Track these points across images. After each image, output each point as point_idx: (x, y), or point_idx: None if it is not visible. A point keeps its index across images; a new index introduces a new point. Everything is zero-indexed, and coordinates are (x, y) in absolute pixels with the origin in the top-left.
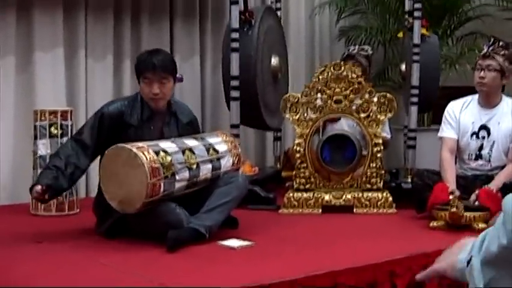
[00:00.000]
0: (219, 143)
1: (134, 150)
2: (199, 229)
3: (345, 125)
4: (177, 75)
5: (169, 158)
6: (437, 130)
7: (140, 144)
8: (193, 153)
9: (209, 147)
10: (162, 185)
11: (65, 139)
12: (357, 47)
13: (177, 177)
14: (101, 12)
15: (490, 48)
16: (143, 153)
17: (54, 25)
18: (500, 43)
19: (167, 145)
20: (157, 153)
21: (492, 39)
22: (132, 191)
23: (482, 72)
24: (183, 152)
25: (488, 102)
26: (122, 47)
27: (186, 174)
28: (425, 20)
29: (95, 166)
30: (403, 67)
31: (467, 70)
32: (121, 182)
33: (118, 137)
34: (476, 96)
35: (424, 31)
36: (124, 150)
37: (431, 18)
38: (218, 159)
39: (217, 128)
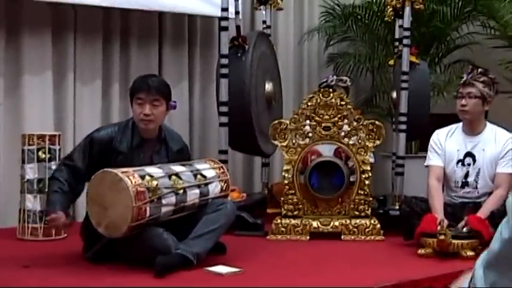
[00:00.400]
0: (207, 169)
1: (119, 174)
2: (187, 255)
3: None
4: (171, 102)
5: (155, 182)
6: (425, 157)
7: (126, 169)
8: (180, 178)
9: (196, 173)
10: (148, 209)
11: (52, 163)
12: (335, 77)
13: (164, 202)
14: (89, 36)
15: (470, 76)
16: (128, 178)
17: (42, 48)
18: (479, 70)
19: (153, 170)
20: (142, 177)
21: (471, 67)
22: (117, 215)
23: (463, 100)
24: (170, 177)
25: (472, 129)
26: (111, 71)
27: (172, 199)
28: (414, 48)
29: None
30: (394, 94)
31: (454, 98)
32: (107, 206)
33: (108, 163)
34: (460, 124)
35: (413, 58)
36: (109, 175)
37: (420, 45)
38: (206, 184)
39: (205, 153)
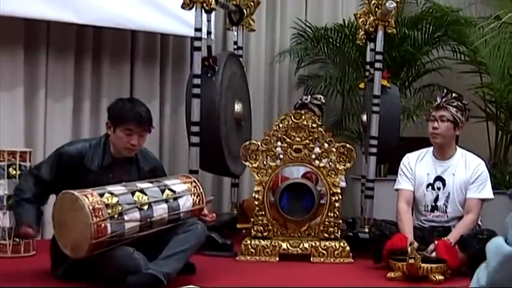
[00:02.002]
0: (177, 183)
1: (76, 193)
2: (157, 275)
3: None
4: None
5: (115, 199)
6: (394, 180)
7: (85, 189)
8: (145, 194)
9: (164, 188)
10: (108, 225)
11: None
12: (309, 96)
13: (126, 218)
14: (62, 53)
15: (443, 100)
16: (85, 196)
17: (14, 64)
18: (453, 95)
19: (115, 188)
20: (101, 195)
21: (445, 91)
22: (78, 235)
23: (435, 123)
24: (133, 193)
25: (443, 153)
26: (82, 88)
27: (136, 214)
28: (386, 72)
29: (49, 208)
30: (364, 117)
31: (424, 121)
32: (69, 227)
33: (77, 181)
34: (431, 148)
35: (385, 82)
36: (67, 196)
37: (390, 69)
38: (175, 199)
39: (175, 173)
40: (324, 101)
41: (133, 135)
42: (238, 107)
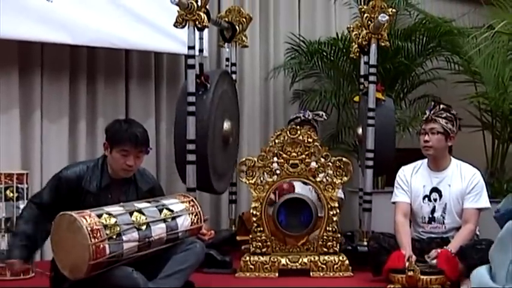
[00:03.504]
0: (175, 203)
1: (74, 215)
2: None
3: (299, 188)
4: (148, 148)
5: (113, 220)
6: (391, 192)
7: (83, 210)
8: (143, 214)
9: (162, 208)
10: (107, 246)
11: (20, 202)
12: (308, 112)
13: (124, 238)
14: (56, 73)
15: (432, 112)
16: (83, 217)
17: (9, 86)
18: (442, 106)
19: (113, 209)
20: (99, 216)
21: (433, 103)
22: (77, 256)
23: (426, 136)
24: (131, 214)
25: (437, 165)
26: (78, 108)
27: (134, 234)
28: (380, 84)
29: None
30: (360, 131)
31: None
32: (67, 249)
33: (77, 203)
34: (425, 160)
35: (379, 95)
36: (64, 217)
37: (385, 81)
38: (173, 218)
39: (172, 191)
40: (326, 118)
41: (129, 156)
42: (227, 125)
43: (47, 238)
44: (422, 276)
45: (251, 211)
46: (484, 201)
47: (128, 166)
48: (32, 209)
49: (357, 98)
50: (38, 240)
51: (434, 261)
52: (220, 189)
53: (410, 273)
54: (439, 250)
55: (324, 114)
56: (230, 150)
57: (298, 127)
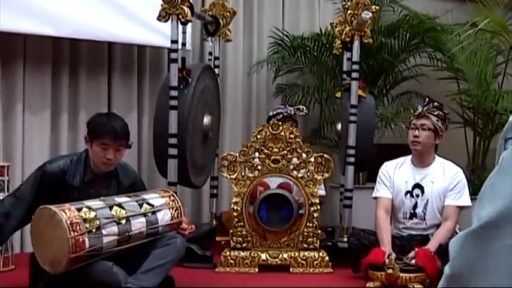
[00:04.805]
0: (155, 198)
1: (53, 209)
2: None
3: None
4: (129, 142)
5: (93, 214)
6: (372, 188)
7: (62, 204)
8: (123, 208)
9: (142, 203)
10: (86, 240)
11: (1, 195)
12: (289, 107)
13: (104, 232)
14: (39, 66)
15: (425, 108)
16: (63, 211)
17: None
18: (435, 103)
19: (93, 203)
20: (79, 209)
21: (427, 100)
22: (57, 250)
23: (416, 131)
24: (111, 208)
25: (422, 161)
26: (60, 101)
27: (114, 228)
28: (362, 81)
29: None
30: (339, 126)
31: (402, 128)
32: (47, 243)
33: (58, 198)
34: (409, 157)
35: (360, 92)
36: (45, 211)
37: (368, 77)
38: (153, 212)
39: (154, 185)
40: (307, 112)
41: (109, 150)
42: (207, 119)
43: (15, 231)
44: (401, 274)
45: (232, 206)
46: (465, 199)
47: (107, 160)
48: (6, 202)
49: (338, 94)
50: (6, 231)
51: (413, 261)
52: (198, 183)
53: (390, 270)
54: (416, 249)
55: (304, 108)
56: (210, 144)
57: (280, 123)
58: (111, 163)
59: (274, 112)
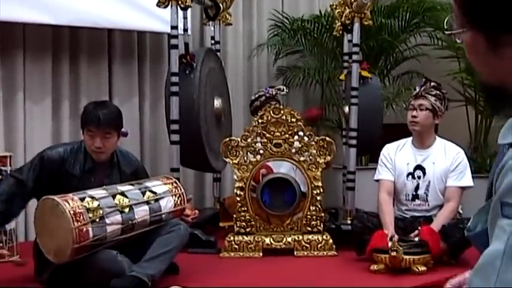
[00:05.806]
0: (158, 185)
1: (56, 199)
2: (141, 277)
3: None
4: (122, 130)
5: (96, 203)
6: (375, 169)
7: (65, 194)
8: (126, 196)
9: (145, 190)
10: (90, 229)
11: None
12: (269, 89)
13: (107, 221)
14: (39, 54)
15: (422, 88)
16: (66, 201)
17: None
18: (432, 83)
19: (96, 192)
20: (82, 199)
21: (424, 80)
22: (61, 240)
23: (414, 112)
24: (114, 197)
25: (422, 142)
26: (61, 89)
27: (118, 217)
28: (366, 63)
29: (33, 210)
30: (347, 109)
31: (403, 108)
32: (51, 233)
33: (59, 186)
34: (410, 138)
35: (365, 73)
36: (48, 201)
37: (368, 58)
38: (156, 200)
39: (157, 171)
40: (287, 91)
41: (95, 138)
42: (217, 102)
43: (18, 215)
44: (405, 256)
45: (235, 191)
46: (467, 180)
47: (96, 148)
48: (6, 183)
49: (342, 76)
50: (7, 216)
51: (417, 238)
52: (218, 167)
53: (394, 253)
54: (419, 228)
55: (285, 88)
56: (224, 127)
57: (279, 106)
58: (100, 151)
59: (256, 95)
